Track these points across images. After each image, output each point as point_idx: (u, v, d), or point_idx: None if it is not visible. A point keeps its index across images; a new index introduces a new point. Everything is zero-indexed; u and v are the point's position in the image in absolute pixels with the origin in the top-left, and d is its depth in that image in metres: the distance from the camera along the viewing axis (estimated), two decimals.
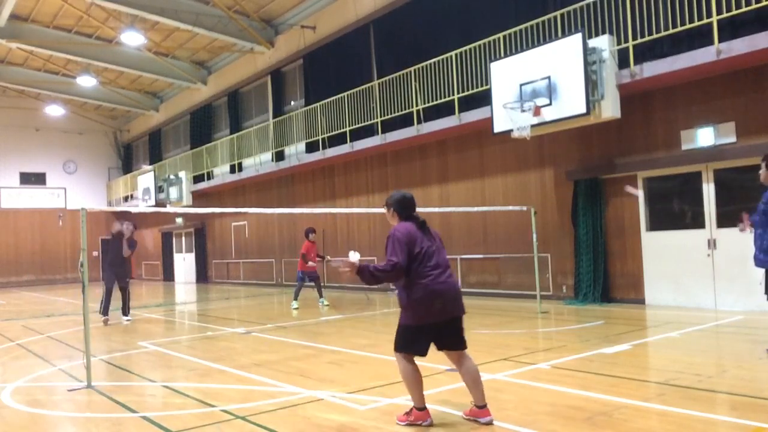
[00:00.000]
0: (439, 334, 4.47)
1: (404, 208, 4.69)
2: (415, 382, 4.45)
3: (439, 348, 4.54)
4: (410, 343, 4.45)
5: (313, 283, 13.57)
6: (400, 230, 4.49)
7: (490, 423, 4.41)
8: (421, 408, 4.46)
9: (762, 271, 6.55)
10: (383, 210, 4.87)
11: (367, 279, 4.35)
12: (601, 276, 11.30)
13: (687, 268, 10.28)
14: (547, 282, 12.33)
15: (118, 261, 11.68)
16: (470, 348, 7.08)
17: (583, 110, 10.09)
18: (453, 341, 4.51)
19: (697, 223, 10.22)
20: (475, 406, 4.50)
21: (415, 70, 14.11)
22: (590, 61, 10.11)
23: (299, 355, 7.66)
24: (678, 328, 8.29)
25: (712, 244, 9.97)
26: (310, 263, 13.11)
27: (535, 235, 10.96)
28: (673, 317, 9.30)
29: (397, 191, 4.85)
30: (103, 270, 11.93)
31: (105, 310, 11.44)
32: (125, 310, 11.87)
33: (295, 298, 13.11)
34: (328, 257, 13.71)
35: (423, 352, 4.46)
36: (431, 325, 4.40)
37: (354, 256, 4.32)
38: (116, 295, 11.68)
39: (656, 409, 4.65)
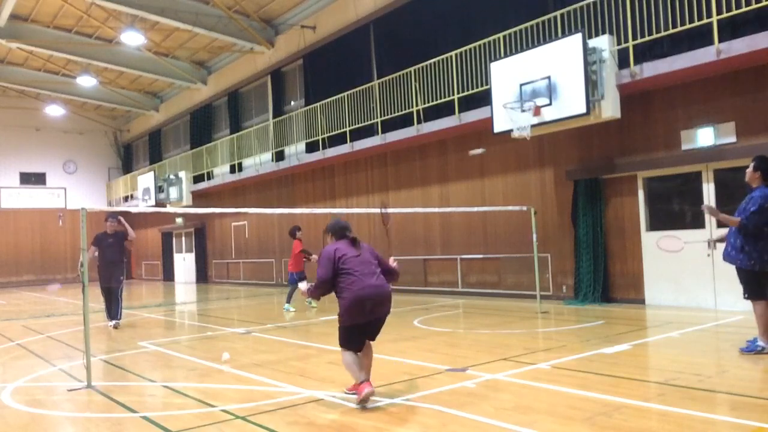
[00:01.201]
0: (366, 329, 5.20)
1: (336, 231, 5.38)
2: (353, 366, 5.11)
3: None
4: (347, 341, 5.18)
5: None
6: (327, 249, 5.23)
7: (371, 393, 5.00)
8: (360, 382, 5.02)
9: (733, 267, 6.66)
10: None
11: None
12: (601, 276, 11.30)
13: (687, 268, 10.27)
14: (547, 282, 12.33)
15: (113, 260, 10.92)
16: (471, 348, 7.08)
17: (583, 110, 10.09)
18: (371, 334, 5.29)
19: (697, 223, 10.22)
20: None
21: (415, 70, 14.10)
22: (590, 61, 10.11)
23: (299, 355, 7.66)
24: (678, 328, 8.29)
25: (712, 244, 9.96)
26: (313, 256, 12.65)
27: (535, 235, 10.97)
28: (673, 317, 9.30)
29: (333, 219, 5.59)
30: (98, 270, 11.01)
31: (109, 313, 10.91)
32: (118, 313, 10.95)
33: (288, 301, 12.90)
34: (314, 256, 13.28)
35: (358, 348, 5.18)
36: (360, 325, 5.12)
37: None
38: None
39: (656, 409, 4.65)
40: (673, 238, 8.91)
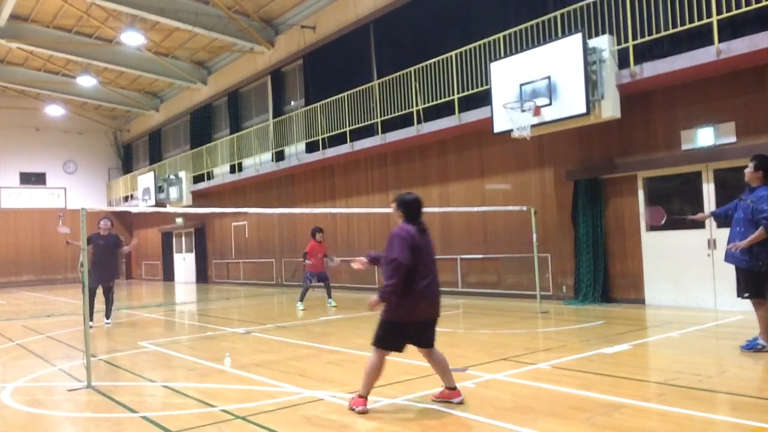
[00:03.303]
0: (417, 333, 4.90)
1: (410, 210, 4.96)
2: (373, 374, 4.84)
3: (414, 344, 4.95)
4: (387, 338, 4.84)
5: (322, 284, 13.36)
6: (405, 231, 4.79)
7: (461, 402, 4.90)
8: (364, 396, 4.87)
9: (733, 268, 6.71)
10: (390, 208, 5.19)
11: (394, 288, 4.69)
12: (601, 276, 11.29)
13: (687, 268, 10.27)
14: (547, 282, 12.32)
15: (109, 260, 11.06)
16: (471, 348, 7.07)
17: (583, 110, 10.08)
18: (427, 340, 4.99)
19: (697, 223, 10.20)
20: (446, 389, 5.02)
21: (415, 70, 14.10)
22: (590, 61, 10.11)
23: (299, 355, 7.66)
24: (678, 328, 8.29)
25: (712, 244, 9.96)
26: (307, 262, 12.83)
27: (535, 235, 10.96)
28: (673, 317, 9.30)
29: (409, 193, 5.09)
30: (92, 270, 10.77)
31: (90, 315, 10.50)
32: (108, 313, 11.16)
33: (301, 299, 12.93)
34: (335, 259, 13.29)
35: (399, 349, 4.90)
36: (408, 324, 4.82)
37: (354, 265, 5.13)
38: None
39: (656, 409, 4.65)
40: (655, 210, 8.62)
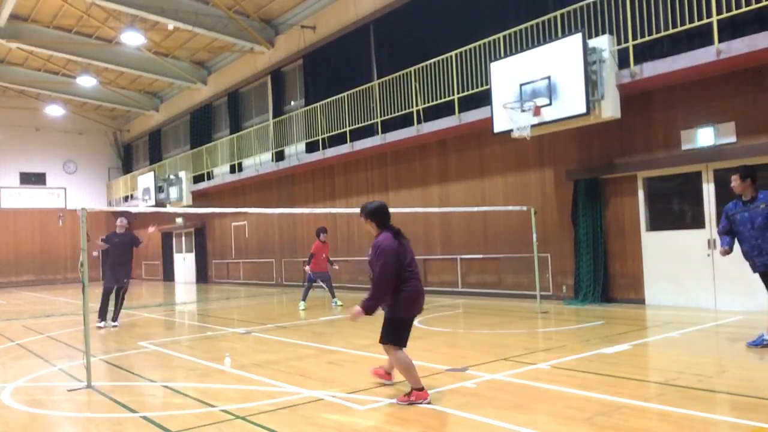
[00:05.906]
0: (410, 325, 5.22)
1: (381, 217, 5.13)
2: (411, 366, 5.06)
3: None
4: (400, 334, 5.11)
5: (323, 285, 13.37)
6: (388, 241, 4.96)
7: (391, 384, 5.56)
8: (420, 388, 5.01)
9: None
10: (362, 221, 5.34)
11: (374, 308, 4.96)
12: (601, 276, 11.29)
13: (687, 268, 10.27)
14: (547, 282, 12.32)
15: (124, 259, 10.97)
16: (471, 348, 7.11)
17: (583, 110, 10.08)
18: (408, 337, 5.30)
19: (697, 223, 10.22)
20: (387, 372, 5.68)
21: (415, 70, 14.10)
22: (590, 61, 10.10)
23: (299, 355, 7.66)
24: (678, 328, 8.29)
25: (712, 244, 9.96)
26: (306, 268, 12.90)
27: (535, 235, 10.97)
28: (673, 317, 9.30)
29: (371, 202, 5.28)
30: (103, 270, 11.29)
31: (103, 315, 10.84)
32: (115, 314, 11.02)
33: (303, 299, 12.97)
34: (336, 266, 13.38)
35: (406, 343, 5.17)
36: (410, 319, 5.15)
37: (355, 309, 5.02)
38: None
39: (656, 409, 4.65)
40: None
